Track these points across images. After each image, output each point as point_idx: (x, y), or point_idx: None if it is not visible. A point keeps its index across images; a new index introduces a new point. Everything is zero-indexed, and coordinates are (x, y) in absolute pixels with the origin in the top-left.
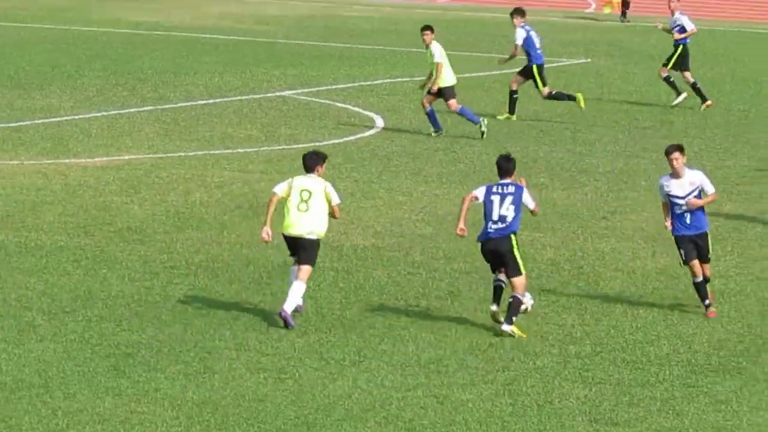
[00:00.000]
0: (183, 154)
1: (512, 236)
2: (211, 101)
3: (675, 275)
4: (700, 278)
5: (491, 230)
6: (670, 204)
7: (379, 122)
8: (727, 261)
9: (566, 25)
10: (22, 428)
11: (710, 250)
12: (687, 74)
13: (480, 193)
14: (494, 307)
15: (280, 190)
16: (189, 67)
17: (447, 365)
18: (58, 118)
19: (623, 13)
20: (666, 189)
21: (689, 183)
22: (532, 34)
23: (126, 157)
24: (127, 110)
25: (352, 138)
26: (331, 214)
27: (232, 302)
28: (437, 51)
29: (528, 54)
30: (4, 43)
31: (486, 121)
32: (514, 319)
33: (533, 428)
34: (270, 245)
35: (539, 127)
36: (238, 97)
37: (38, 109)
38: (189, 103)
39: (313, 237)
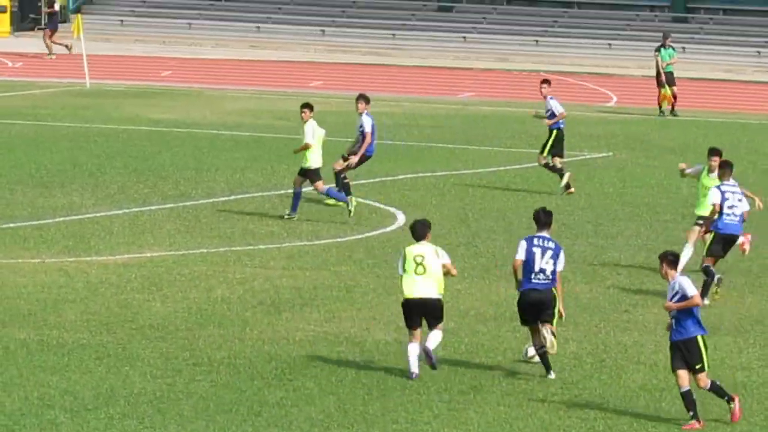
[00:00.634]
0: (205, 250)
1: (554, 289)
2: (232, 197)
3: None
4: (685, 388)
5: (536, 281)
6: None
7: (401, 217)
8: (749, 353)
9: (587, 118)
10: None
11: (703, 358)
12: (557, 160)
13: (522, 251)
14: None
15: (401, 269)
16: (210, 163)
17: None
18: (80, 216)
19: (672, 108)
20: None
21: (672, 288)
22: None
23: (148, 255)
24: (148, 207)
25: (374, 233)
26: (447, 273)
27: (254, 398)
28: (309, 130)
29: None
30: (25, 142)
31: (355, 201)
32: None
33: None
34: (292, 341)
35: (560, 220)
36: (260, 193)
37: (60, 207)
38: (210, 200)
39: (435, 296)
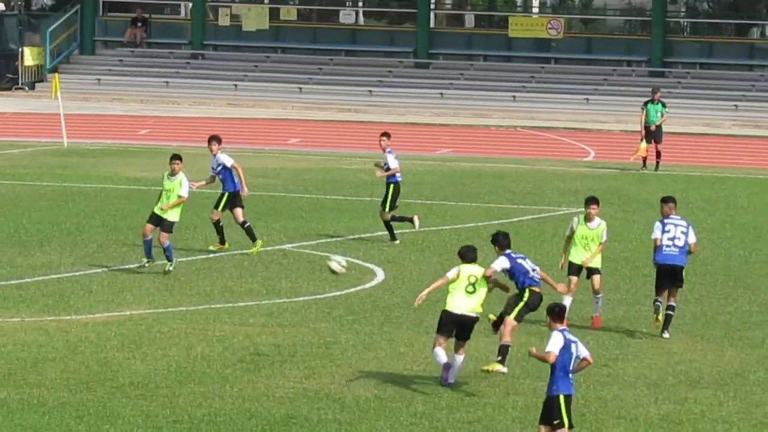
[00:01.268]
0: (184, 308)
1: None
2: (211, 255)
3: (678, 421)
4: None
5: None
6: None
7: (380, 274)
8: (729, 407)
9: (565, 173)
10: None
11: (562, 416)
12: (384, 213)
13: (501, 264)
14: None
15: (452, 274)
16: (188, 221)
17: None
18: (59, 275)
19: (657, 164)
20: None
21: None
22: None
23: (127, 313)
24: (127, 265)
25: (353, 290)
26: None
27: None
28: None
29: None
30: (3, 201)
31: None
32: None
33: None
34: (272, 398)
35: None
36: (239, 251)
37: (39, 266)
38: (189, 258)
39: (474, 315)
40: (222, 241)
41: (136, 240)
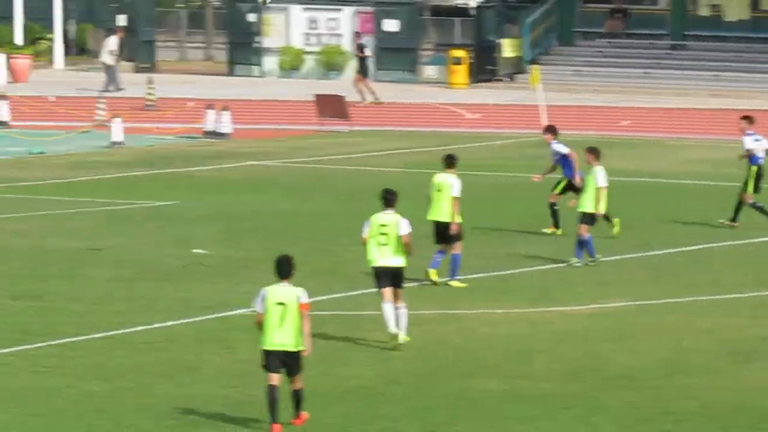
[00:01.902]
0: (670, 300)
1: None
2: (696, 247)
3: None
4: None
5: None
6: None
7: None
8: None
9: None
10: None
11: None
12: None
13: None
14: None
15: None
16: (671, 213)
17: None
18: (541, 267)
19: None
20: None
21: None
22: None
23: (612, 305)
24: (613, 257)
25: None
26: None
27: None
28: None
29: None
30: (485, 193)
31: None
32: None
33: None
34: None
35: None
36: (727, 242)
37: (521, 258)
38: (674, 250)
39: None
40: (556, 225)
41: (621, 232)
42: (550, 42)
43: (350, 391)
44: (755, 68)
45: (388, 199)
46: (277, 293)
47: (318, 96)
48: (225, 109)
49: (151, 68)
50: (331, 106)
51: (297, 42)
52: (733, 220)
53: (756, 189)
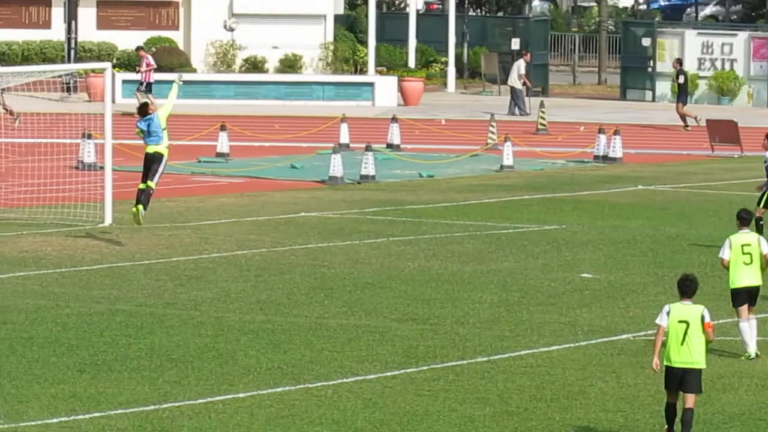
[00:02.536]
0: None
1: None
2: None
3: None
4: None
5: None
6: None
7: None
8: None
9: None
10: None
11: None
12: None
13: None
14: None
15: None
16: None
17: None
18: None
19: None
20: None
21: None
22: None
23: None
24: None
25: None
26: None
27: None
28: None
29: None
30: None
31: None
32: None
33: None
34: None
35: None
36: None
37: None
38: None
39: None
40: None
41: None
42: None
43: (732, 417)
44: None
45: (745, 219)
46: (680, 311)
47: (709, 121)
48: (616, 133)
49: (544, 92)
50: (722, 131)
51: (690, 66)
52: None
53: None
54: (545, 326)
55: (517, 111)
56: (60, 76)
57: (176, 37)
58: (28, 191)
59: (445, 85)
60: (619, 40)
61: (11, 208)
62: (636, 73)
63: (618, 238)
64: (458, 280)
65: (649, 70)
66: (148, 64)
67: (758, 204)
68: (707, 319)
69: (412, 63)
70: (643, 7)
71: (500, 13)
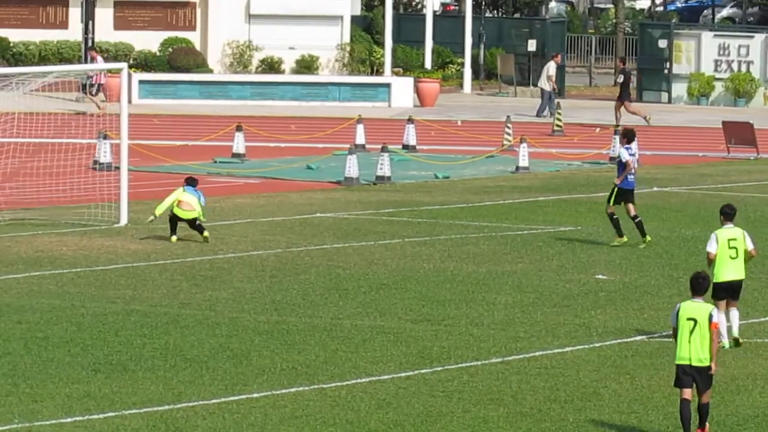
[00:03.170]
0: None
1: None
2: None
3: None
4: None
5: None
6: None
7: None
8: None
9: None
10: None
11: None
12: None
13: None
14: None
15: None
16: None
17: None
18: None
19: None
20: None
21: None
22: None
23: None
24: None
25: None
26: None
27: None
28: None
29: None
30: None
31: None
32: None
33: None
34: None
35: None
36: None
37: None
38: None
39: None
40: None
41: None
42: None
43: (746, 419)
44: None
45: (729, 214)
46: (689, 309)
47: (725, 123)
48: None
49: (560, 93)
50: (738, 133)
51: (707, 68)
52: None
53: None
54: (560, 327)
55: (546, 112)
56: (77, 77)
57: (193, 37)
58: (44, 191)
59: (461, 86)
60: (636, 42)
61: (27, 208)
62: (652, 75)
63: (633, 240)
64: (473, 281)
65: (666, 71)
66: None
67: None
68: (714, 319)
69: (428, 64)
70: (660, 8)
71: (517, 15)
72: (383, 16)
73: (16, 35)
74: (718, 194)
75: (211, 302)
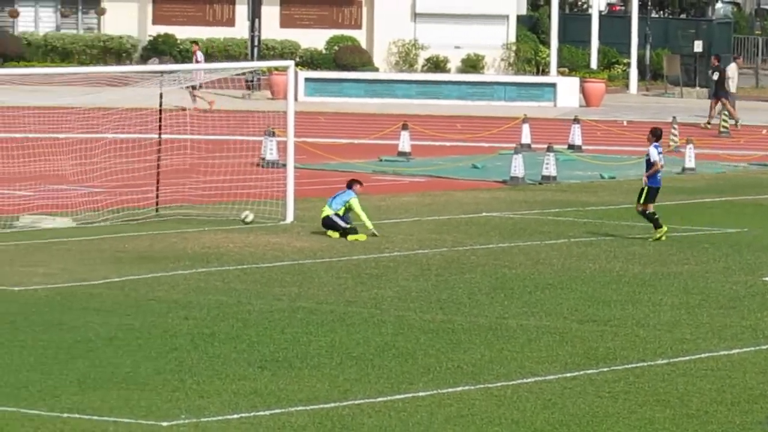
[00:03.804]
0: None
1: None
2: None
3: None
4: None
5: None
6: None
7: None
8: None
9: None
10: None
11: None
12: None
13: None
14: None
15: None
16: None
17: None
18: None
19: None
20: None
21: None
22: None
23: None
24: None
25: None
26: None
27: None
28: None
29: None
30: None
31: None
32: None
33: None
34: None
35: None
36: None
37: None
38: None
39: None
40: None
41: None
42: None
43: None
44: None
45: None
46: None
47: None
48: None
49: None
50: None
51: None
52: None
53: None
54: (726, 329)
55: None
56: (243, 74)
57: (359, 36)
58: (211, 188)
59: (627, 86)
60: None
61: (194, 205)
62: None
63: None
64: (639, 282)
65: None
66: (197, 61)
67: None
68: None
69: (594, 64)
70: None
71: (683, 15)
72: (549, 16)
73: (182, 32)
74: None
75: (376, 300)
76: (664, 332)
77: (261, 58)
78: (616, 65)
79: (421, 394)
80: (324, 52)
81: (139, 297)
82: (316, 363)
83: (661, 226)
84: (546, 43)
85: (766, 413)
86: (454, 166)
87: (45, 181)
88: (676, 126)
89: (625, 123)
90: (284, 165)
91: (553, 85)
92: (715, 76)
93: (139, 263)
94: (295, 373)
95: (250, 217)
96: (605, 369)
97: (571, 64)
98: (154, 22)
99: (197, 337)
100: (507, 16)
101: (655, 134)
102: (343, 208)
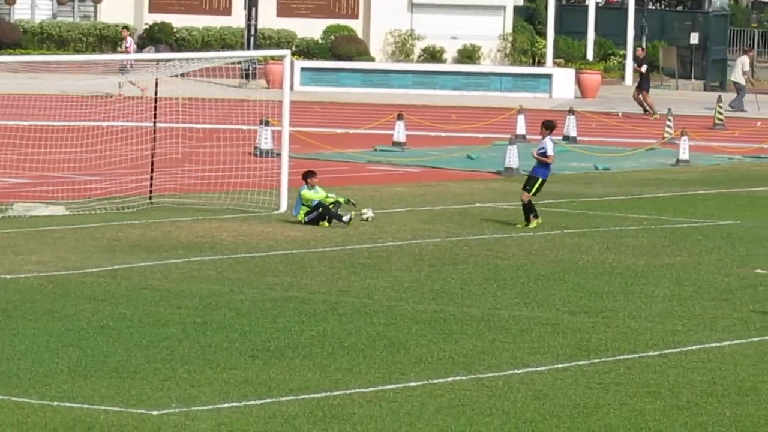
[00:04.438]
0: None
1: None
2: None
3: None
4: None
5: None
6: None
7: None
8: None
9: None
10: None
11: None
12: None
13: None
14: None
15: None
16: None
17: None
18: None
19: None
20: None
21: None
22: None
23: None
24: None
25: None
26: None
27: None
28: None
29: None
30: None
31: None
32: None
33: None
34: None
35: None
36: None
37: None
38: None
39: None
40: None
41: None
42: None
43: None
44: None
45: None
46: None
47: None
48: None
49: (721, 87)
50: None
51: None
52: None
53: None
54: (718, 321)
55: (743, 106)
56: (239, 63)
57: (355, 25)
58: (205, 176)
59: (622, 78)
60: None
61: (188, 194)
62: None
63: None
64: (631, 274)
65: None
66: (127, 48)
67: None
68: None
69: (590, 55)
70: None
71: (679, 7)
72: (545, 7)
73: (179, 21)
74: None
75: (369, 290)
76: (656, 324)
77: (257, 47)
78: (612, 57)
79: (412, 384)
80: (320, 41)
81: (132, 286)
82: (308, 353)
83: (537, 217)
84: (542, 34)
85: (756, 406)
86: (448, 156)
87: (39, 168)
88: (671, 118)
89: (620, 115)
90: (279, 154)
91: (549, 77)
92: (644, 68)
93: (132, 252)
94: (286, 363)
95: (369, 215)
96: (596, 360)
97: (567, 56)
98: (151, 10)
99: (189, 326)
100: (503, 7)
101: (548, 126)
102: (305, 208)
